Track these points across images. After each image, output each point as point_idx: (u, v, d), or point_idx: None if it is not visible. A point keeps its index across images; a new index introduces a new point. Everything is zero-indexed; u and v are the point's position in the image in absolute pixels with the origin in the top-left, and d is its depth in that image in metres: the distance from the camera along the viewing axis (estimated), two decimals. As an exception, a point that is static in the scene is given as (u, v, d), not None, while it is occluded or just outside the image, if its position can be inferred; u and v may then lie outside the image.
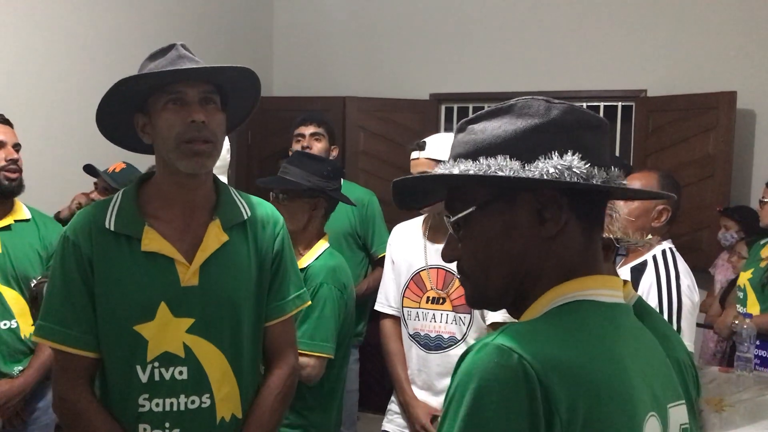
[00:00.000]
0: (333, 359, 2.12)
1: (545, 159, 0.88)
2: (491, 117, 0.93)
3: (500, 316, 2.19)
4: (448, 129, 4.75)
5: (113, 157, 2.57)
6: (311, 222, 2.27)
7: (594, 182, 0.89)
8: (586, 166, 0.88)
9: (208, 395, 1.49)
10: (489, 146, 0.90)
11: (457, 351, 2.19)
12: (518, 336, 0.82)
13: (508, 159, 0.88)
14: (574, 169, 0.87)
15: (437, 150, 2.19)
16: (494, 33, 4.84)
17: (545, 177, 0.87)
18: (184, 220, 1.51)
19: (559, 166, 0.87)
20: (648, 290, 2.08)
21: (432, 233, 2.34)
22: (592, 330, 0.87)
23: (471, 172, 0.90)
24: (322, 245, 2.26)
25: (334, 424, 2.24)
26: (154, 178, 1.54)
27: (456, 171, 0.91)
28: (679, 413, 0.95)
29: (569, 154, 0.88)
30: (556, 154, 0.88)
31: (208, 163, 1.47)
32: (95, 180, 2.96)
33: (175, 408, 1.47)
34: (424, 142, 2.26)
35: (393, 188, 1.01)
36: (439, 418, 0.85)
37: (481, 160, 0.89)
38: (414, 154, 2.27)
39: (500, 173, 0.88)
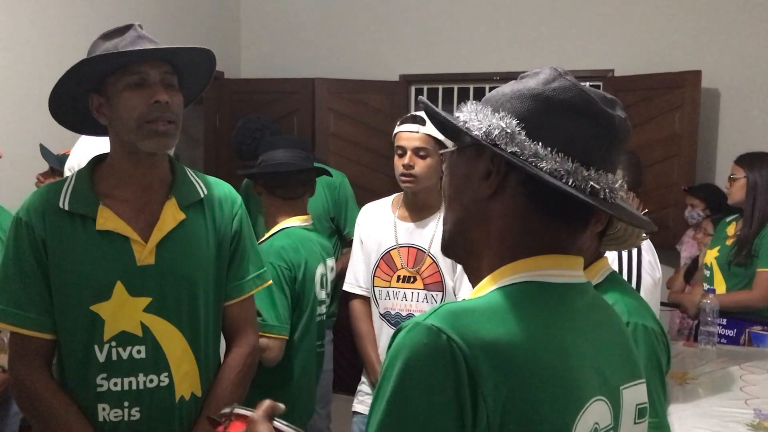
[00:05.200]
0: (289, 339, 2.10)
1: (494, 116, 0.88)
2: (525, 77, 0.93)
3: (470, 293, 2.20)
4: (417, 110, 4.75)
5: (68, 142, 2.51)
6: (264, 201, 2.26)
7: (539, 166, 0.84)
8: (536, 144, 0.85)
9: (166, 374, 1.49)
10: (490, 99, 0.92)
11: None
12: (451, 316, 0.81)
13: (489, 112, 0.89)
14: (513, 136, 0.86)
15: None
16: (464, 13, 4.83)
17: (471, 129, 0.88)
18: (140, 200, 1.50)
19: (491, 124, 0.87)
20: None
21: (402, 212, 2.34)
22: (535, 312, 0.85)
23: (461, 117, 0.92)
24: (280, 225, 2.25)
25: (302, 406, 2.23)
26: (108, 159, 1.53)
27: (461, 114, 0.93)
28: (634, 393, 0.94)
29: (509, 117, 0.87)
30: (500, 113, 0.88)
31: (171, 142, 1.47)
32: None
33: (133, 387, 1.47)
34: (423, 118, 2.18)
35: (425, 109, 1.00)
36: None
37: (478, 108, 0.91)
38: (411, 127, 2.21)
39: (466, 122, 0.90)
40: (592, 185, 0.86)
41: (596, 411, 0.85)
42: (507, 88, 0.92)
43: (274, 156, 2.25)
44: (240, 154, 3.31)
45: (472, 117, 0.90)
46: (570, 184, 0.85)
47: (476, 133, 0.88)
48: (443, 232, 0.99)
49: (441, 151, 0.85)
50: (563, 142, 0.86)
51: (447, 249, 0.99)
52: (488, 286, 0.89)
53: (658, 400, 1.43)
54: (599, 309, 0.96)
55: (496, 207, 0.90)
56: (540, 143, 0.85)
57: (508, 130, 0.86)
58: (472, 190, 0.92)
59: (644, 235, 1.56)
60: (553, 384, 0.81)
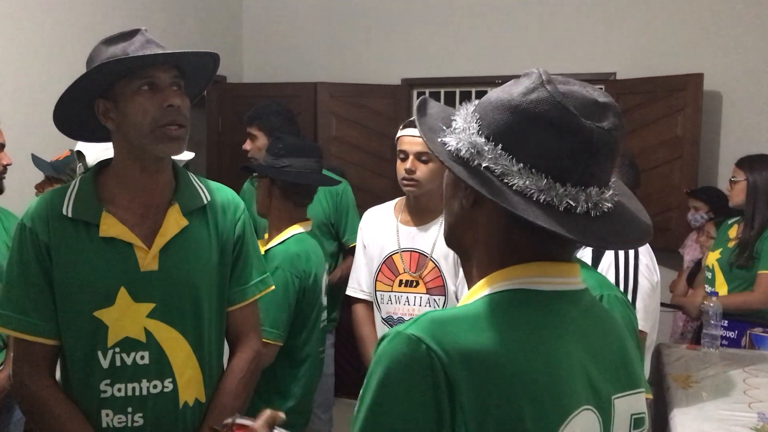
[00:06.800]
0: (285, 345, 2.10)
1: (467, 130, 0.88)
2: (516, 81, 0.90)
3: (473, 297, 2.20)
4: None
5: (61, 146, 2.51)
6: (274, 203, 2.25)
7: (508, 182, 0.84)
8: (510, 158, 0.84)
9: (170, 380, 1.49)
10: (479, 105, 0.91)
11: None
12: (432, 325, 0.81)
13: (466, 118, 0.90)
14: (481, 152, 0.86)
15: None
16: (465, 17, 4.83)
17: (447, 144, 0.89)
18: (143, 206, 1.50)
19: (459, 141, 0.88)
20: (607, 270, 2.09)
21: (404, 216, 2.34)
22: (519, 320, 0.85)
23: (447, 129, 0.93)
24: (292, 230, 2.24)
25: (301, 412, 2.22)
26: (112, 165, 1.53)
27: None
28: (629, 403, 0.92)
29: (478, 133, 0.87)
30: (476, 124, 0.88)
31: (183, 146, 1.48)
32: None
33: (137, 393, 1.47)
34: None
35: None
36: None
37: (467, 118, 0.91)
38: (413, 131, 2.22)
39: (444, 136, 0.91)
40: (567, 202, 0.83)
41: (583, 421, 0.84)
42: (494, 95, 0.90)
43: (304, 164, 2.24)
44: (249, 120, 3.28)
45: (450, 132, 0.91)
46: (542, 201, 0.83)
47: (450, 149, 0.89)
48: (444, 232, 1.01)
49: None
50: (537, 157, 0.84)
51: (448, 245, 1.01)
52: (478, 292, 0.90)
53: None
54: (595, 316, 0.94)
55: (480, 216, 0.91)
56: (514, 158, 0.84)
57: (473, 150, 0.86)
58: (458, 199, 0.93)
59: None
60: (535, 391, 0.80)
